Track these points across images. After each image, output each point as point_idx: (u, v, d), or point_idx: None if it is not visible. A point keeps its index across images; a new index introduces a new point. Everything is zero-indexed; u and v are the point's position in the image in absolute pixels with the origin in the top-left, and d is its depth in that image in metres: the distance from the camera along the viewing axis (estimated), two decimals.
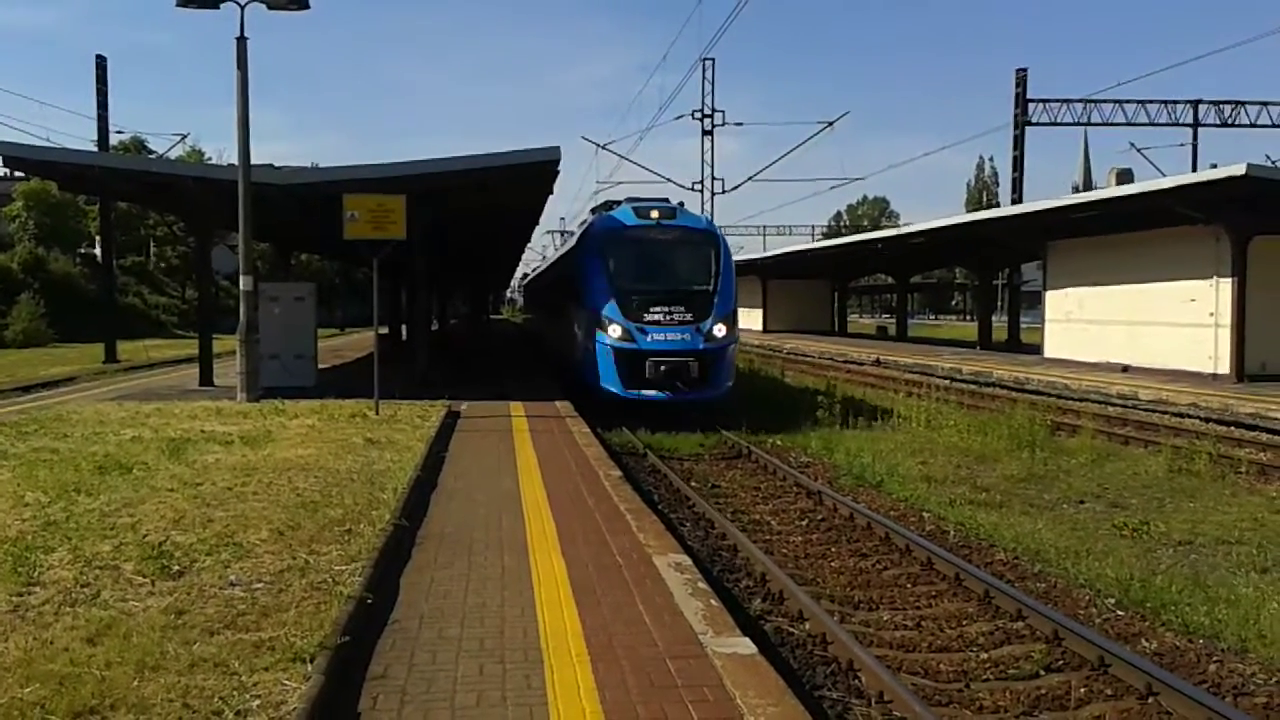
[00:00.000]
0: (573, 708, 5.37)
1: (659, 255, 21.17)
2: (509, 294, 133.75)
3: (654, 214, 21.68)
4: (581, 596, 7.32)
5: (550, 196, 25.52)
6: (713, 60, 46.49)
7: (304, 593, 6.90)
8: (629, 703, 5.45)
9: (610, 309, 20.09)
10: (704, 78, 46.09)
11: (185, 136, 64.64)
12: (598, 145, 37.03)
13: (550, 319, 34.36)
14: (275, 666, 5.54)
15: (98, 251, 54.98)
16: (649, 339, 19.77)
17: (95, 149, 37.67)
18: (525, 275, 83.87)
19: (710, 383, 19.99)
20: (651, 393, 19.62)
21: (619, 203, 23.81)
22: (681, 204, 23.32)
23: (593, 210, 26.64)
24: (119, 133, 54.02)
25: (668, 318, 19.93)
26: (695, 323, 20.03)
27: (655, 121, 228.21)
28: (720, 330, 20.15)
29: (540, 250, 76.30)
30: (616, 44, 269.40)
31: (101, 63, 39.10)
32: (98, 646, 5.83)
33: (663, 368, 19.46)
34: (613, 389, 19.97)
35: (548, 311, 36.47)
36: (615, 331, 19.85)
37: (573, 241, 24.62)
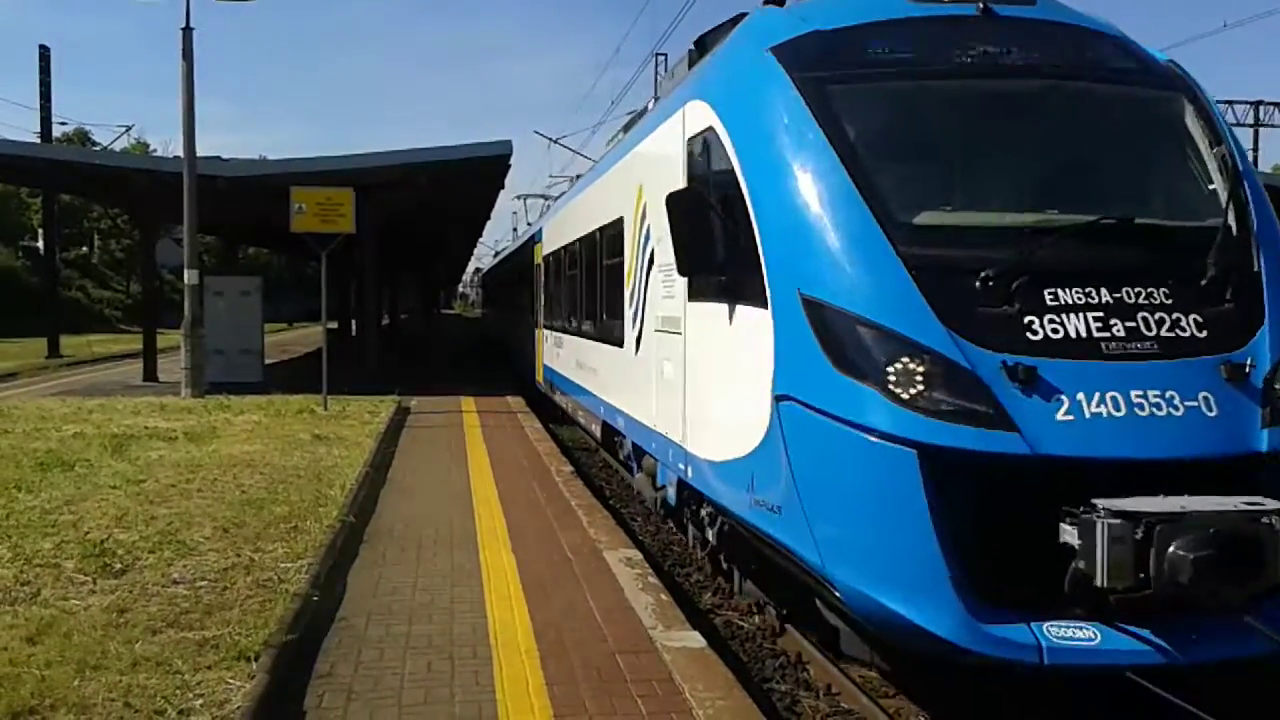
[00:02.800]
0: (521, 704, 5.36)
1: (1029, 118, 6.44)
2: (461, 289, 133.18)
3: None
4: (531, 592, 7.31)
5: (501, 191, 25.46)
6: (665, 55, 46.17)
7: (249, 590, 6.82)
8: (578, 697, 5.45)
9: (882, 290, 5.50)
10: (656, 72, 45.92)
11: (130, 128, 63.76)
12: (550, 139, 36.71)
13: (553, 327, 18.02)
14: (219, 665, 5.47)
15: (40, 245, 53.96)
16: (1068, 412, 5.14)
17: (38, 140, 36.97)
18: (478, 270, 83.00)
19: None
20: (1087, 640, 4.98)
21: None
22: None
23: (698, 43, 9.43)
24: (62, 124, 53.22)
25: (1122, 335, 5.37)
26: (1216, 345, 5.45)
27: (608, 116, 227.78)
28: None
29: (492, 245, 75.64)
30: (570, 39, 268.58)
31: (45, 53, 38.29)
32: (38, 646, 5.73)
33: (1195, 550, 4.63)
34: (926, 623, 5.08)
35: (517, 313, 22.57)
36: (912, 381, 5.21)
37: (652, 120, 9.87)
